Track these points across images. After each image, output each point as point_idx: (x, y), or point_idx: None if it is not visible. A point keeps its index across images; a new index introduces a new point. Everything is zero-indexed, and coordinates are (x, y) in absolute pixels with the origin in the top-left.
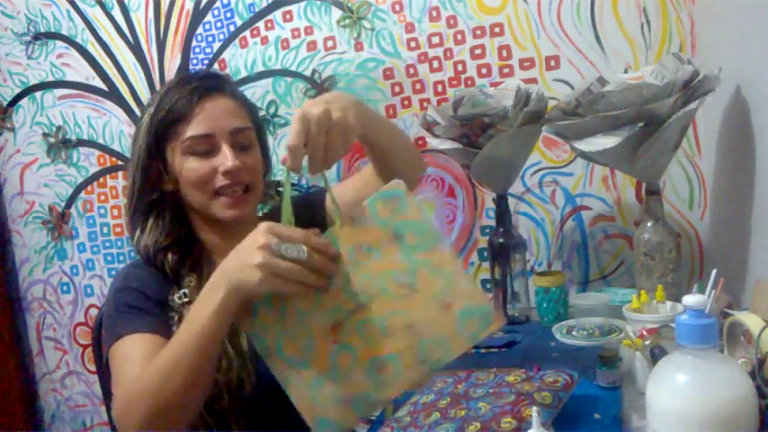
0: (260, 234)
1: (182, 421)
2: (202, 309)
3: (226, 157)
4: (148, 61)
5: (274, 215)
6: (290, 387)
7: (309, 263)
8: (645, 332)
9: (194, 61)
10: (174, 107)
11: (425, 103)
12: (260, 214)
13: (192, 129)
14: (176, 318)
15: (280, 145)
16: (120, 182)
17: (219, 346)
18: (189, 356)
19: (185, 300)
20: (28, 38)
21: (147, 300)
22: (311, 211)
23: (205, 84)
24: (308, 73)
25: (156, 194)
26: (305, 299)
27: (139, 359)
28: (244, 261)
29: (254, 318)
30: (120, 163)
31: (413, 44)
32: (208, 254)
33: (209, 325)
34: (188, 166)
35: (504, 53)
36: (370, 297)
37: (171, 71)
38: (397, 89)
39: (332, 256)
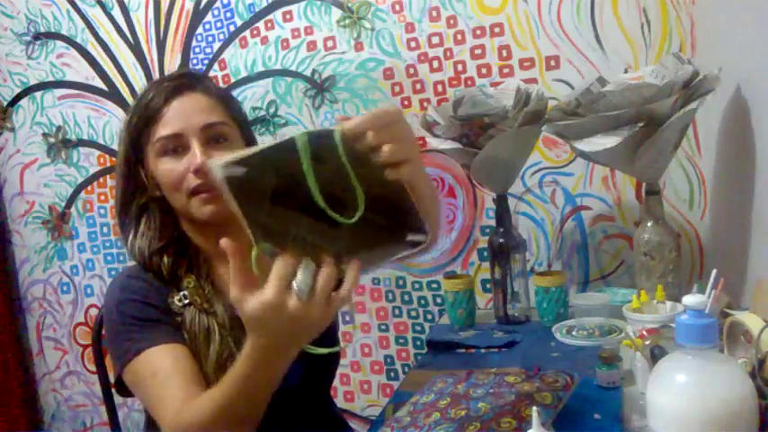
0: (274, 299)
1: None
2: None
3: (194, 155)
4: (148, 61)
5: None
6: None
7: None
8: (645, 332)
9: (194, 61)
10: (146, 110)
11: (425, 103)
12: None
13: (162, 129)
14: (180, 321)
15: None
16: None
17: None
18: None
19: (185, 302)
20: (28, 38)
21: (154, 309)
22: None
23: (175, 83)
24: (308, 73)
25: (143, 199)
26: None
27: (172, 371)
28: (296, 331)
29: None
30: None
31: (413, 44)
32: (204, 254)
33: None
34: (162, 168)
35: (504, 53)
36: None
37: (171, 71)
38: (397, 89)
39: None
